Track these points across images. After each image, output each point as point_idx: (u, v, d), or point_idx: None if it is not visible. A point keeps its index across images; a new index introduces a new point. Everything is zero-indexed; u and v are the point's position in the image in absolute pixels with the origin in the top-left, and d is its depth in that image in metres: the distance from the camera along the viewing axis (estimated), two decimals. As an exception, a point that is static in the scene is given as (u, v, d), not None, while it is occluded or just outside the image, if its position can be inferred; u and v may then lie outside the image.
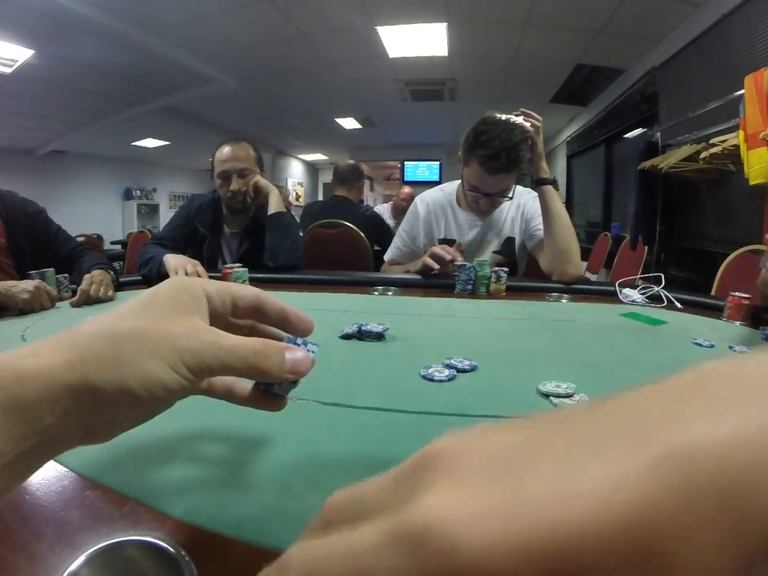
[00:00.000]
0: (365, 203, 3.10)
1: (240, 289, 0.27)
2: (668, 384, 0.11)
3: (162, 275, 1.10)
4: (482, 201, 1.28)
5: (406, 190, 3.57)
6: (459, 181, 1.38)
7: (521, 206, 1.37)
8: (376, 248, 2.12)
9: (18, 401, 0.18)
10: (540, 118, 1.22)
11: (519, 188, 1.35)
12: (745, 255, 1.83)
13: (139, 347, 0.21)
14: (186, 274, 1.05)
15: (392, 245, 1.53)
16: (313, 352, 0.26)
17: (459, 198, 1.41)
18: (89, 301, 0.94)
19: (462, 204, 1.41)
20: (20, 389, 0.18)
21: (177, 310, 0.23)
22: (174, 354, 0.21)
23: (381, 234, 2.19)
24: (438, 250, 1.20)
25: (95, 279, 0.98)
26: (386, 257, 1.55)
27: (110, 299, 0.99)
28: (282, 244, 1.36)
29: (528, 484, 0.10)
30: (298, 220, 1.92)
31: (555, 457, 0.11)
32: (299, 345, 0.26)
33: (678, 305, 0.99)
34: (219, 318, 0.26)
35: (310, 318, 0.28)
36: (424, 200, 1.46)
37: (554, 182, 1.23)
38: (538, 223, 1.29)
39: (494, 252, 1.38)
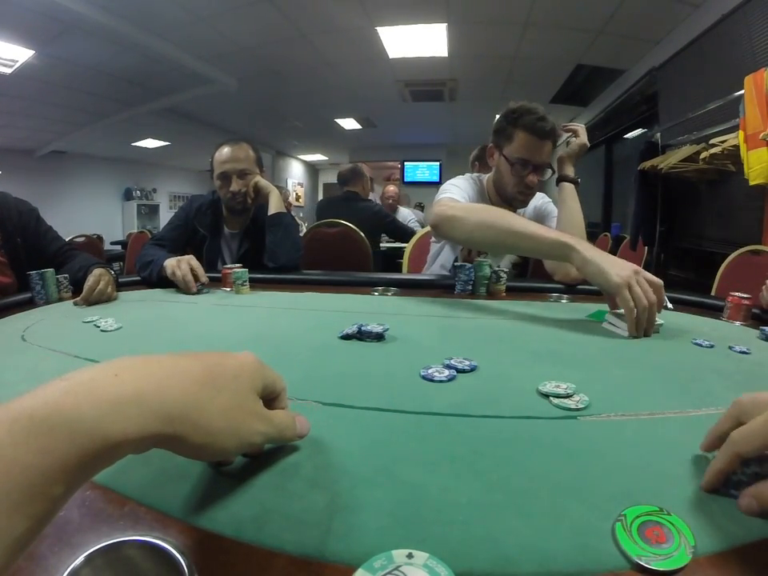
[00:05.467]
0: (371, 201, 3.20)
1: (277, 386, 0.35)
2: None
3: (162, 278, 1.12)
4: (530, 176, 1.24)
5: (391, 188, 3.61)
6: (478, 179, 1.39)
7: (537, 208, 1.42)
8: (381, 246, 2.19)
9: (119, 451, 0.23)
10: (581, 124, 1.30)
11: (537, 193, 1.39)
12: (745, 255, 1.83)
13: (223, 431, 0.28)
14: (179, 273, 1.06)
15: (448, 194, 1.26)
16: None
17: (489, 193, 1.39)
18: (92, 299, 0.94)
19: (492, 199, 1.38)
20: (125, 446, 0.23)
21: (253, 392, 0.31)
22: (246, 437, 0.29)
23: (389, 225, 2.39)
24: None
25: (103, 278, 0.98)
26: (447, 197, 1.25)
27: (114, 299, 1.00)
28: (283, 244, 1.36)
29: None
30: (309, 217, 1.96)
31: None
32: None
33: (677, 305, 0.99)
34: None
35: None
36: (467, 181, 1.36)
37: (576, 182, 1.27)
38: (551, 223, 1.32)
39: None
